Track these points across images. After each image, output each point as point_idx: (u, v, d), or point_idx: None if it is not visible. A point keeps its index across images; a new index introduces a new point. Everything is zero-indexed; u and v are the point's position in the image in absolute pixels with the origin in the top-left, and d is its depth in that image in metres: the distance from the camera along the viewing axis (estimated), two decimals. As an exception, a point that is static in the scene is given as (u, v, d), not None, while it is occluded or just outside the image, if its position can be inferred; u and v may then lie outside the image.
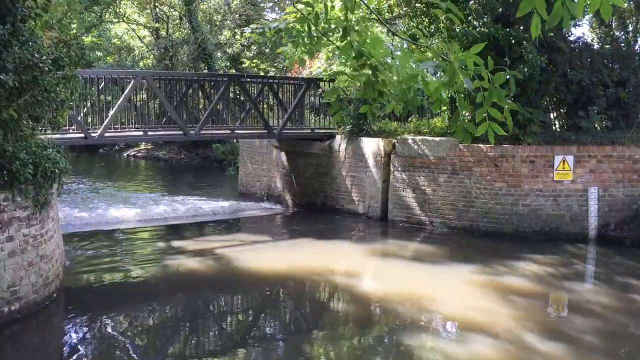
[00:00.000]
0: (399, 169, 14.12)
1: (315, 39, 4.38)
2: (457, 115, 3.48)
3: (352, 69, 4.20)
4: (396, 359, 7.02)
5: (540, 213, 12.61)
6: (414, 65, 3.88)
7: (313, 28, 4.29)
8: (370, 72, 3.88)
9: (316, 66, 17.94)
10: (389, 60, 4.05)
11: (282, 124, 15.65)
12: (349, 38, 4.04)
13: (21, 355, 6.87)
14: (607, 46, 14.35)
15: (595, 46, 14.43)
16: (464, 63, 3.41)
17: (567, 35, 13.44)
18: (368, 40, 4.03)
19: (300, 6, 4.93)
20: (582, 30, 17.10)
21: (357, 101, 15.00)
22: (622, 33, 15.22)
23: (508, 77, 3.47)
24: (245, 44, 28.92)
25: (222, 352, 7.40)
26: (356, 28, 4.19)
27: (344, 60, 14.88)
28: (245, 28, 10.32)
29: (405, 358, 7.06)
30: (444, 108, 14.68)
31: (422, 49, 4.36)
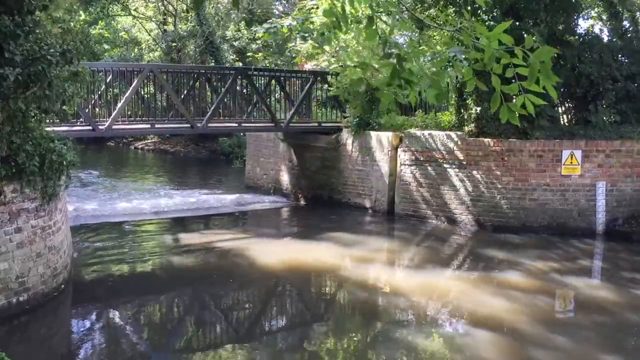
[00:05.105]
0: (406, 163, 14.10)
1: (343, 26, 4.43)
2: (496, 97, 3.51)
3: (378, 59, 4.25)
4: (400, 353, 7.02)
5: (547, 208, 12.56)
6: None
7: (341, 13, 4.32)
8: (395, 61, 3.91)
9: (323, 60, 17.89)
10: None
11: (289, 117, 15.64)
12: (374, 26, 4.08)
13: (29, 346, 6.92)
14: (616, 40, 14.23)
15: (605, 40, 14.30)
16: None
17: (576, 28, 13.35)
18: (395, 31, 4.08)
19: None
20: (591, 24, 16.95)
21: (364, 95, 14.96)
22: (631, 26, 15.08)
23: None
24: (252, 37, 28.88)
25: (228, 344, 7.43)
26: (383, 18, 4.22)
27: (350, 56, 14.79)
28: (258, 27, 10.29)
29: (410, 352, 7.06)
30: (452, 102, 14.62)
31: (449, 34, 4.37)
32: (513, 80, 3.46)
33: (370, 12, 4.10)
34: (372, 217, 14.49)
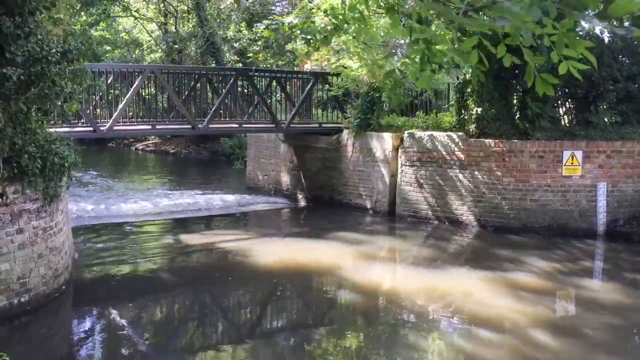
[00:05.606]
0: (407, 164, 14.10)
1: (364, 20, 4.45)
2: (530, 71, 3.53)
3: (406, 46, 4.24)
4: (402, 354, 7.02)
5: (548, 208, 12.55)
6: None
7: (363, 7, 4.34)
8: (424, 46, 3.87)
9: (324, 58, 17.92)
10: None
11: (290, 118, 15.66)
12: (396, 15, 4.07)
13: (29, 346, 6.93)
14: (617, 40, 14.20)
15: (606, 40, 14.28)
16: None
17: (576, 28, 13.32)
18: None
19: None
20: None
21: (365, 95, 14.98)
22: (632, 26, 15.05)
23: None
24: (253, 38, 28.91)
25: (229, 344, 7.43)
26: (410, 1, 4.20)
27: (351, 55, 14.81)
28: (257, 24, 10.34)
29: (412, 352, 7.07)
30: (451, 103, 14.64)
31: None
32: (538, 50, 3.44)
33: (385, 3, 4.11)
34: (373, 217, 14.49)
